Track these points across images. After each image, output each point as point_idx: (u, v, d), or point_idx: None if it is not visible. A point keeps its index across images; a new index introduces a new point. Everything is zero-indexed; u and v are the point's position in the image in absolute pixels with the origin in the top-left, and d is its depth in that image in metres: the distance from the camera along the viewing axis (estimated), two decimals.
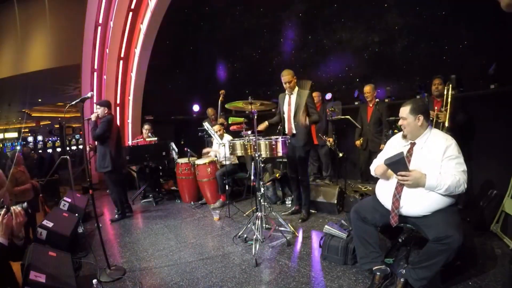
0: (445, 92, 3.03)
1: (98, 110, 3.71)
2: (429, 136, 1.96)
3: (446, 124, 2.92)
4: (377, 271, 2.03)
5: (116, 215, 3.91)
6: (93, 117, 3.64)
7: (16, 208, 1.60)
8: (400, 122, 2.05)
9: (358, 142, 4.34)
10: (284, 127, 3.35)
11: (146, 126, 5.05)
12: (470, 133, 3.35)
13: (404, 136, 2.05)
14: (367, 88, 4.20)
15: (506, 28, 3.18)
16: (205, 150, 4.69)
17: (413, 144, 2.01)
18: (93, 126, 3.62)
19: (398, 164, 1.86)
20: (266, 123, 3.20)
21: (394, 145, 2.14)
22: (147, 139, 4.96)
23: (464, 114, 3.14)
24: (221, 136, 4.30)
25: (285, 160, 3.93)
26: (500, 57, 3.30)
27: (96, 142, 3.78)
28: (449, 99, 2.97)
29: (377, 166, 2.13)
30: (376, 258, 2.06)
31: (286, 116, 3.31)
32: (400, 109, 2.03)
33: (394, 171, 1.92)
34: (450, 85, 3.04)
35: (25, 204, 1.69)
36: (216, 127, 4.29)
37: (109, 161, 3.65)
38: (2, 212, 1.57)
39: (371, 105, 4.22)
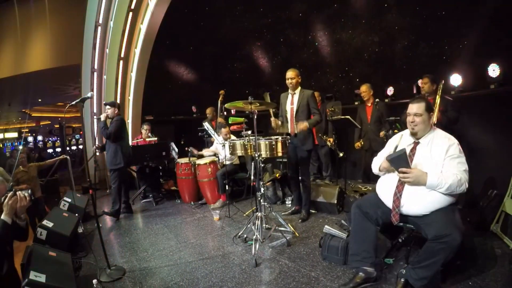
0: (439, 92, 3.08)
1: (108, 111, 3.86)
2: (432, 136, 1.97)
3: (435, 121, 2.95)
4: (361, 271, 2.01)
5: (111, 209, 3.91)
6: (102, 117, 3.81)
7: (22, 193, 1.80)
8: (412, 119, 1.98)
9: (358, 144, 4.27)
10: (287, 126, 3.34)
11: (145, 126, 5.07)
12: (462, 130, 3.35)
13: (414, 134, 2.01)
14: (363, 88, 4.19)
15: (506, 28, 3.19)
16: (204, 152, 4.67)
17: (416, 144, 2.01)
18: (103, 126, 3.76)
19: (400, 160, 1.86)
20: (277, 120, 3.24)
21: (395, 144, 2.14)
22: (147, 139, 4.96)
23: (454, 111, 3.16)
24: (228, 139, 4.24)
25: (285, 160, 3.92)
26: (500, 57, 3.30)
27: (105, 141, 3.93)
28: (438, 97, 3.01)
29: (382, 162, 2.12)
30: (366, 259, 2.03)
31: (289, 115, 3.31)
32: (411, 106, 2.00)
33: (395, 167, 1.91)
34: (442, 84, 3.07)
35: (29, 191, 1.88)
36: (225, 130, 4.22)
37: (120, 158, 3.81)
38: (9, 195, 1.77)
39: (369, 104, 4.20)
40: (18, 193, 1.80)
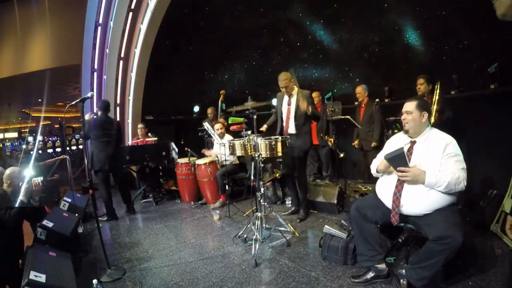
0: (436, 91, 3.07)
1: (99, 113, 3.85)
2: (429, 135, 1.97)
3: (432, 121, 2.94)
4: (372, 269, 2.07)
5: (106, 216, 3.89)
6: (86, 116, 3.73)
7: (35, 180, 2.23)
8: (403, 117, 2.01)
9: (355, 143, 4.41)
10: (282, 126, 3.34)
11: (140, 125, 5.06)
12: (459, 129, 3.34)
13: (406, 132, 2.03)
14: (358, 89, 4.31)
15: (506, 28, 3.18)
16: (206, 152, 4.67)
17: (413, 143, 2.01)
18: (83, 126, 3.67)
19: (398, 159, 1.86)
20: (265, 126, 3.23)
21: (394, 144, 2.14)
22: (147, 139, 4.96)
23: (451, 112, 3.14)
24: (222, 135, 4.29)
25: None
26: (500, 57, 3.30)
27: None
28: (436, 98, 3.00)
29: (379, 162, 2.13)
30: (374, 257, 2.06)
31: (285, 116, 3.30)
32: (405, 104, 2.03)
33: (394, 166, 1.92)
34: (438, 84, 3.06)
35: (41, 178, 2.28)
36: (218, 125, 4.29)
37: (93, 161, 3.74)
38: (25, 181, 2.22)
39: (363, 105, 4.31)
40: (33, 180, 2.23)
